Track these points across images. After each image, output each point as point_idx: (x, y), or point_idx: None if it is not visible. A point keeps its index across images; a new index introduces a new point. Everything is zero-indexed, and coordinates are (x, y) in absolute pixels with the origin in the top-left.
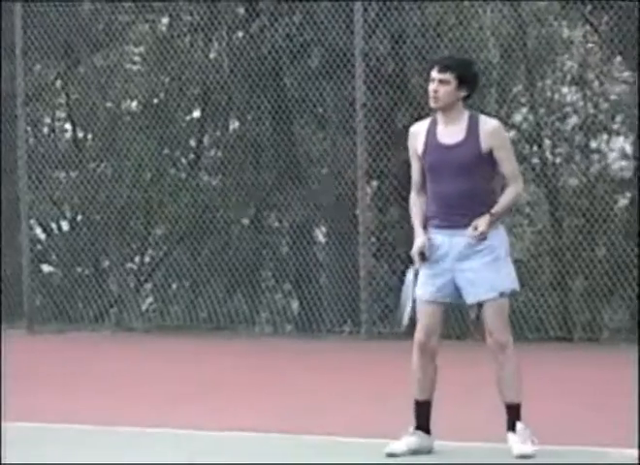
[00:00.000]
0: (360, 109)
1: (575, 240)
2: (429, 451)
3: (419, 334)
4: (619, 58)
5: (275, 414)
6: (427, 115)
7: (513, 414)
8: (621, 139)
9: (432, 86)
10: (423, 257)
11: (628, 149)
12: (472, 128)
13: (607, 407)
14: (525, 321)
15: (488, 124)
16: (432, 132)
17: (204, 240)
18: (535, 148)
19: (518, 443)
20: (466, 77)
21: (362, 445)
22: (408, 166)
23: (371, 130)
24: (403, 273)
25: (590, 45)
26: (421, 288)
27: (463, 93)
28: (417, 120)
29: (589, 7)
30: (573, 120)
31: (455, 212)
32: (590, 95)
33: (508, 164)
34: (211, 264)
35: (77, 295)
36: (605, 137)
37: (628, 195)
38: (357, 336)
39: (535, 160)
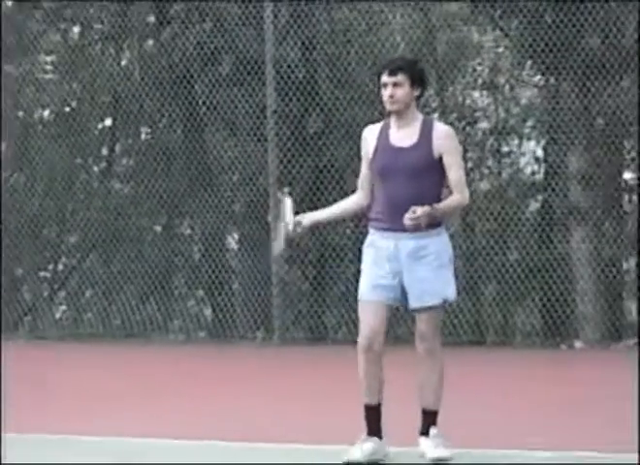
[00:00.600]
0: (271, 116)
1: (487, 245)
2: (385, 456)
3: (362, 338)
4: (529, 62)
5: (188, 420)
6: (337, 122)
7: (429, 419)
8: (532, 143)
9: (386, 91)
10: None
11: (539, 153)
12: (425, 132)
13: (516, 408)
14: None
15: (441, 128)
16: (384, 134)
17: (116, 248)
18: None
19: (431, 447)
20: (417, 76)
21: (274, 449)
22: (320, 171)
23: (282, 136)
24: (315, 278)
25: (500, 49)
26: (365, 288)
27: (416, 93)
28: (327, 126)
29: (498, 11)
30: (484, 125)
31: (402, 216)
32: (500, 99)
33: (456, 170)
34: (124, 272)
35: None
36: (516, 141)
37: (539, 198)
38: (270, 342)
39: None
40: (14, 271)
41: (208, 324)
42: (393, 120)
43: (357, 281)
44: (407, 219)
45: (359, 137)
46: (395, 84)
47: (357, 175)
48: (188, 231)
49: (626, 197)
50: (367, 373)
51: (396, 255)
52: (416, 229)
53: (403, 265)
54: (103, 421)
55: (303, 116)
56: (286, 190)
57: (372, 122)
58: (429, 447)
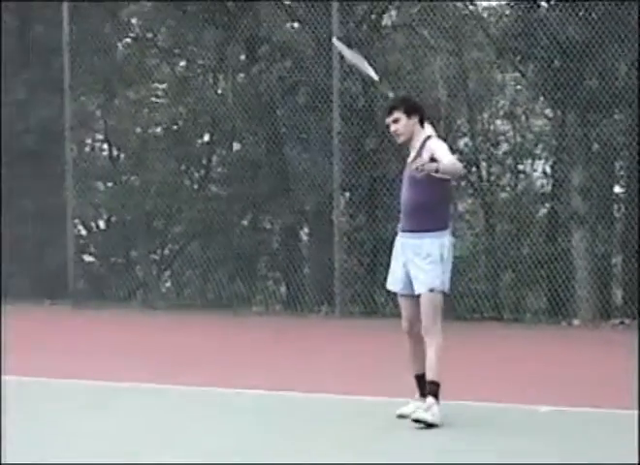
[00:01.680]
0: (336, 136)
1: (505, 241)
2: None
3: (403, 324)
4: (541, 98)
5: (267, 375)
6: (388, 142)
7: (432, 388)
8: (542, 162)
9: (391, 129)
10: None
11: (548, 170)
12: (421, 147)
13: (526, 369)
14: (464, 304)
15: (429, 144)
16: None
17: (211, 237)
18: (474, 169)
19: (421, 410)
20: (410, 107)
21: (335, 399)
22: (374, 180)
23: (345, 152)
24: (369, 265)
25: (518, 87)
26: (388, 278)
27: (414, 120)
28: (381, 145)
29: (518, 57)
30: (504, 147)
31: (407, 220)
32: (518, 127)
33: (445, 157)
34: (217, 257)
35: (111, 280)
36: (530, 160)
37: (547, 205)
38: (332, 315)
39: (474, 178)
40: (129, 254)
41: (283, 299)
42: (410, 147)
43: None
44: (412, 164)
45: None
46: (394, 121)
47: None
48: (269, 225)
49: (616, 206)
50: (409, 351)
51: (403, 251)
52: (418, 170)
53: (407, 259)
54: (198, 375)
55: (361, 137)
56: (347, 194)
57: None
58: (419, 408)
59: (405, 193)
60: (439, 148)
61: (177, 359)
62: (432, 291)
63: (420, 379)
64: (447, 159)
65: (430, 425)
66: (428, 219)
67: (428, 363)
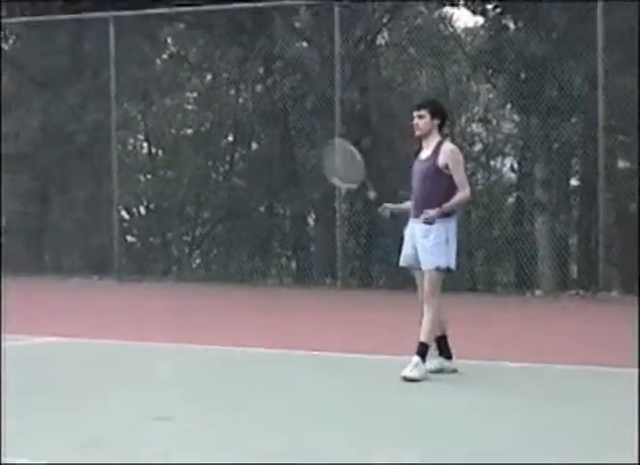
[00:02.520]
0: (338, 137)
1: (479, 225)
2: (453, 371)
3: (419, 295)
4: (509, 105)
5: (280, 336)
6: (381, 142)
7: (420, 348)
8: (510, 159)
9: (414, 122)
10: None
11: (515, 165)
12: (436, 149)
13: (497, 332)
14: (446, 278)
15: (445, 147)
16: (418, 152)
17: (234, 222)
18: None
19: (408, 367)
20: (436, 110)
21: (339, 357)
22: (369, 174)
23: None
24: (365, 245)
25: (490, 96)
26: (401, 256)
27: (437, 122)
28: (375, 144)
29: (490, 71)
30: (479, 146)
31: (418, 208)
32: (490, 129)
33: (457, 176)
34: (239, 238)
35: (150, 257)
36: (500, 157)
37: (515, 195)
38: (335, 286)
39: None
40: (165, 235)
41: (294, 273)
42: (423, 142)
43: (395, 248)
44: (423, 218)
45: (399, 152)
46: (419, 117)
47: (399, 176)
48: (282, 211)
49: (572, 196)
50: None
51: (413, 234)
52: (429, 221)
53: (417, 241)
54: (222, 334)
55: (358, 137)
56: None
57: (407, 143)
58: (407, 366)
59: (416, 185)
60: (456, 173)
61: (206, 323)
62: (437, 269)
63: (439, 340)
64: (460, 193)
65: (415, 380)
66: (435, 207)
67: (422, 327)
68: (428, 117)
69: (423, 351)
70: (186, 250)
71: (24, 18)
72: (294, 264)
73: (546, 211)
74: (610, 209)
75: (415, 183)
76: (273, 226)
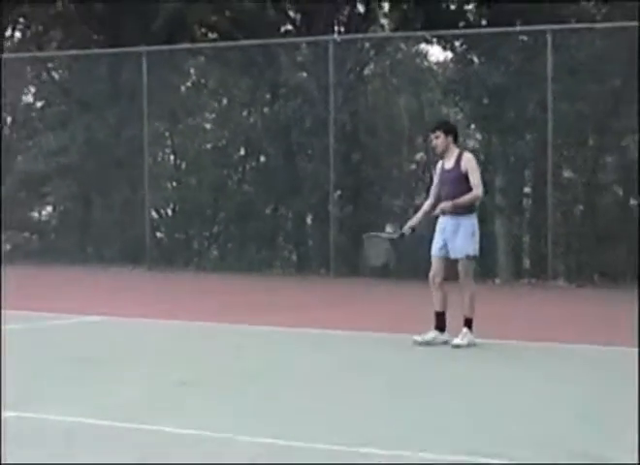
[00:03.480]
0: (331, 152)
1: None
2: (445, 342)
3: (430, 275)
4: (473, 125)
5: (282, 319)
6: (369, 156)
7: (466, 322)
8: None
9: (432, 143)
10: (402, 233)
11: None
12: (458, 159)
13: (500, 315)
14: (422, 269)
15: (465, 156)
16: (440, 164)
17: (245, 221)
18: (427, 174)
19: (458, 337)
20: (448, 129)
21: (340, 335)
22: (359, 182)
23: (337, 163)
24: (356, 241)
25: (458, 117)
26: (432, 247)
27: (450, 138)
28: (363, 158)
29: (457, 97)
30: None
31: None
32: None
33: (472, 177)
34: (249, 235)
35: (175, 250)
36: None
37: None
38: (328, 275)
39: (427, 180)
40: (189, 232)
41: (295, 264)
42: (444, 156)
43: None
44: (440, 208)
45: (383, 165)
46: (436, 137)
47: (383, 185)
48: (285, 212)
49: (525, 201)
50: (434, 294)
51: (444, 228)
52: (446, 213)
53: (447, 234)
54: (233, 317)
55: (350, 152)
56: (339, 192)
57: (390, 155)
58: (457, 336)
59: (443, 188)
60: (472, 175)
61: (226, 305)
62: (467, 257)
63: (438, 315)
64: (473, 192)
65: (464, 346)
66: (461, 206)
67: (464, 305)
68: (442, 136)
69: (469, 323)
70: (205, 244)
71: (73, 52)
72: (295, 257)
73: (504, 214)
74: (557, 212)
75: (443, 188)
76: (278, 225)
